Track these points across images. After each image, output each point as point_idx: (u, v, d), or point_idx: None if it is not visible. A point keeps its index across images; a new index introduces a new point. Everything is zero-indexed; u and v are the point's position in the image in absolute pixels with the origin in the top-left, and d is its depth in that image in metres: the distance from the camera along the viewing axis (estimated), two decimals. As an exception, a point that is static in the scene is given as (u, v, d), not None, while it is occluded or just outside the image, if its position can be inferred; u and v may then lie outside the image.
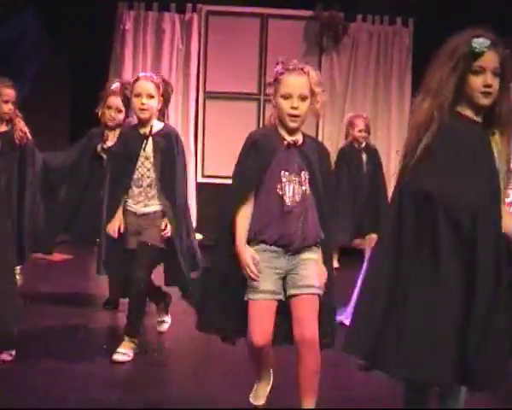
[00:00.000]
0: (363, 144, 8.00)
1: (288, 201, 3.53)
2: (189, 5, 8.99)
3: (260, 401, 3.89)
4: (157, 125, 4.85)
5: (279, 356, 3.85)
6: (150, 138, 4.79)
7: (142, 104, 4.71)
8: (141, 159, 4.78)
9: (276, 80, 3.62)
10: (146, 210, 4.81)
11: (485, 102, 3.04)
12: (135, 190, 4.80)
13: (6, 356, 4.48)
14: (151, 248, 4.76)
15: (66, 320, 5.46)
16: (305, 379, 3.50)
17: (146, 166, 4.79)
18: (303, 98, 3.57)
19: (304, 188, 3.57)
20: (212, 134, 9.10)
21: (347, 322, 5.65)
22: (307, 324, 3.47)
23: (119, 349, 4.63)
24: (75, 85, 8.33)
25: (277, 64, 3.65)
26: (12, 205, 5.66)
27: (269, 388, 3.91)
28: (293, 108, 3.55)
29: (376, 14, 9.06)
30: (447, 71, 3.04)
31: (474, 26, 3.08)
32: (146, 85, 4.75)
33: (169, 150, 4.82)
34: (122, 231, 4.82)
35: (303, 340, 3.46)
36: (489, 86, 3.01)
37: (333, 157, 8.32)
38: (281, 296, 3.54)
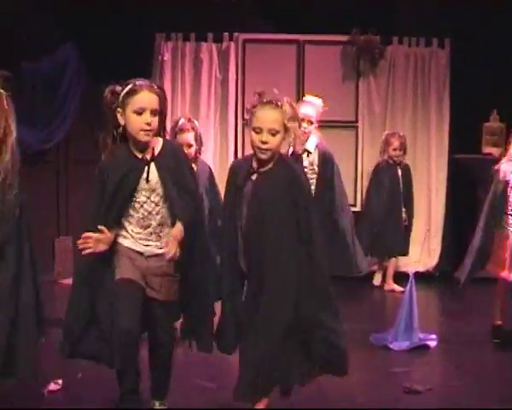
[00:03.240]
0: (398, 161, 8.12)
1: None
2: (226, 34, 9.06)
3: None
4: (157, 144, 3.76)
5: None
6: (152, 164, 3.70)
7: (148, 124, 3.61)
8: (145, 193, 3.70)
9: (251, 112, 3.71)
10: (159, 251, 3.75)
11: None
12: (141, 231, 3.72)
13: (53, 386, 4.53)
14: (171, 305, 3.83)
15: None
16: None
17: (154, 201, 3.72)
18: (273, 133, 3.63)
19: None
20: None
21: (392, 345, 5.62)
22: None
23: None
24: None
25: (254, 95, 3.73)
26: None
27: None
28: (262, 142, 3.63)
29: (412, 36, 9.05)
30: None
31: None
32: (151, 98, 3.64)
33: (178, 169, 3.75)
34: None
35: None
36: None
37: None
38: None
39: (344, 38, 8.95)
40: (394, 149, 8.11)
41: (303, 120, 5.91)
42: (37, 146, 7.70)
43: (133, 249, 3.75)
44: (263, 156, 3.67)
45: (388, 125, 8.94)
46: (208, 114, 9.06)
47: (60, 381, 4.59)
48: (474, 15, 8.12)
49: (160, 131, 3.78)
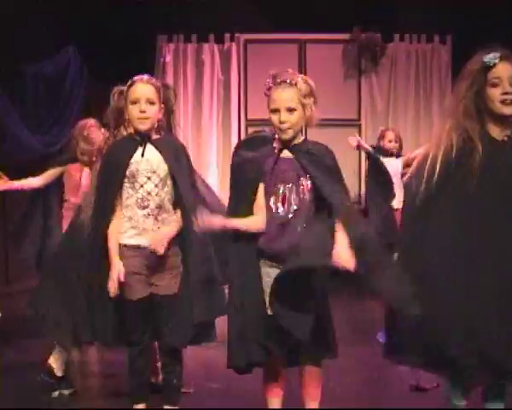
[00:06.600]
0: (395, 153, 8.04)
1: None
2: (228, 35, 9.08)
3: None
4: (157, 135, 3.93)
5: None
6: (150, 144, 3.86)
7: (142, 112, 3.79)
8: (145, 173, 3.82)
9: (266, 96, 3.66)
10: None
11: (506, 110, 3.15)
12: (138, 213, 3.83)
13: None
14: (175, 299, 3.86)
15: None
16: None
17: (153, 182, 3.83)
18: (291, 110, 3.58)
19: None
20: (255, 161, 9.13)
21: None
22: None
23: None
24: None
25: (268, 77, 3.68)
26: None
27: None
28: (281, 121, 3.57)
29: (413, 33, 9.05)
30: (463, 89, 3.18)
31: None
32: (145, 89, 3.82)
33: (177, 162, 3.89)
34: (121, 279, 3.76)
35: None
36: (507, 93, 3.13)
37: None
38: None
39: (345, 36, 8.97)
40: (390, 141, 8.03)
41: None
42: (41, 149, 7.72)
43: (131, 245, 3.81)
44: (285, 136, 3.62)
45: (391, 123, 8.94)
46: (211, 114, 9.07)
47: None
48: (475, 11, 8.12)
49: (168, 126, 3.97)
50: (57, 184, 5.51)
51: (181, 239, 3.85)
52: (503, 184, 3.15)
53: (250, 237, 3.62)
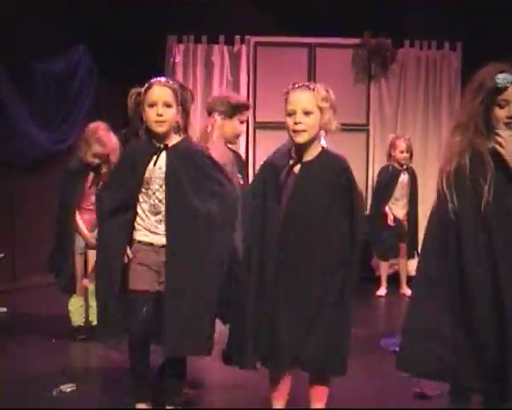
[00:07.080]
0: (405, 166, 8.02)
1: None
2: (238, 37, 9.07)
3: None
4: (175, 139, 3.93)
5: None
6: (164, 152, 3.86)
7: (159, 115, 3.80)
8: (158, 181, 3.84)
9: (284, 100, 3.65)
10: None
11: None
12: (151, 218, 3.85)
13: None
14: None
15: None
16: None
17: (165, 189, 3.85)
18: (307, 112, 3.55)
19: None
20: (263, 163, 9.11)
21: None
22: None
23: None
24: (126, 119, 8.43)
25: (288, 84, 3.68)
26: None
27: None
28: (295, 123, 3.54)
29: (424, 39, 9.04)
30: (476, 105, 3.27)
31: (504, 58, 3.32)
32: (162, 92, 3.84)
33: (189, 168, 3.85)
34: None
35: None
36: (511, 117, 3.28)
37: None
38: None
39: (355, 41, 8.95)
40: (401, 152, 8.02)
41: None
42: (49, 147, 7.74)
43: (145, 242, 3.86)
44: (299, 139, 3.56)
45: (399, 129, 8.93)
46: (219, 116, 9.06)
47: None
48: (485, 18, 8.10)
49: (183, 127, 3.97)
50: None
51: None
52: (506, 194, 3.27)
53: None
